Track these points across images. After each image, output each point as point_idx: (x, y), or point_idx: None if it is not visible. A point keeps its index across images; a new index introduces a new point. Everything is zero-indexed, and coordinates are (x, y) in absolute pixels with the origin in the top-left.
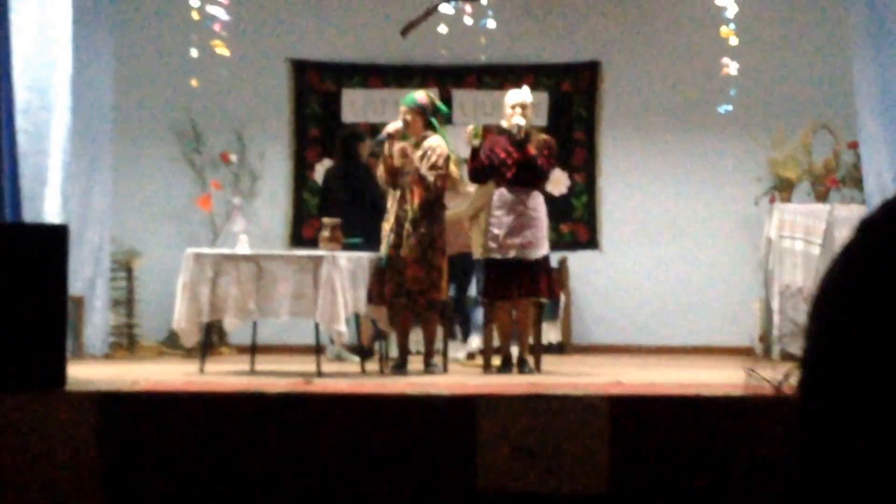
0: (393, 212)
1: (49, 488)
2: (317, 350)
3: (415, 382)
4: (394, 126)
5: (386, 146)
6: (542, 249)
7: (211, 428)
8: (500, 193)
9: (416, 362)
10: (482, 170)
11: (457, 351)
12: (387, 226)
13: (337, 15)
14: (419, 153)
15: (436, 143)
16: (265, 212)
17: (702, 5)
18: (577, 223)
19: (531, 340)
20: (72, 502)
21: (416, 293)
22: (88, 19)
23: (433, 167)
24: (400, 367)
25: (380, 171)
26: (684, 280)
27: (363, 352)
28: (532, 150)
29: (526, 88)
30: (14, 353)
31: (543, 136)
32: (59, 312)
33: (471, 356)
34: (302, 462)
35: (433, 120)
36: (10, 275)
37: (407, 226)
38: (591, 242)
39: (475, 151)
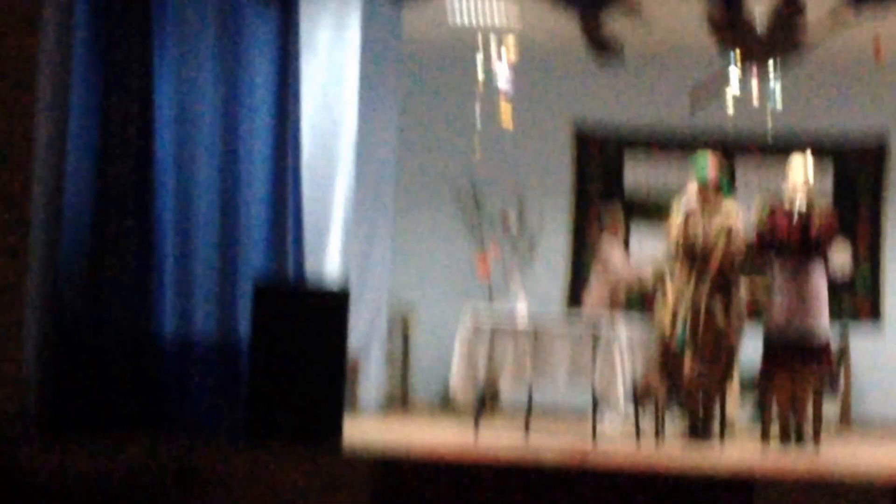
0: (684, 290)
1: None
2: (593, 417)
3: (691, 458)
4: (691, 207)
5: (681, 220)
6: (824, 334)
7: (486, 498)
8: (781, 276)
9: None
10: (766, 249)
11: None
12: (669, 302)
13: (620, 81)
14: (716, 229)
15: (733, 217)
16: (543, 275)
17: None
18: (859, 296)
19: (810, 412)
20: None
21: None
22: (375, 81)
23: (734, 251)
24: (696, 432)
25: (674, 241)
26: None
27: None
28: (813, 231)
29: (809, 161)
30: (294, 409)
31: (825, 212)
32: (339, 373)
33: None
34: None
35: (724, 183)
36: (295, 335)
37: (706, 300)
38: (874, 316)
39: (761, 234)
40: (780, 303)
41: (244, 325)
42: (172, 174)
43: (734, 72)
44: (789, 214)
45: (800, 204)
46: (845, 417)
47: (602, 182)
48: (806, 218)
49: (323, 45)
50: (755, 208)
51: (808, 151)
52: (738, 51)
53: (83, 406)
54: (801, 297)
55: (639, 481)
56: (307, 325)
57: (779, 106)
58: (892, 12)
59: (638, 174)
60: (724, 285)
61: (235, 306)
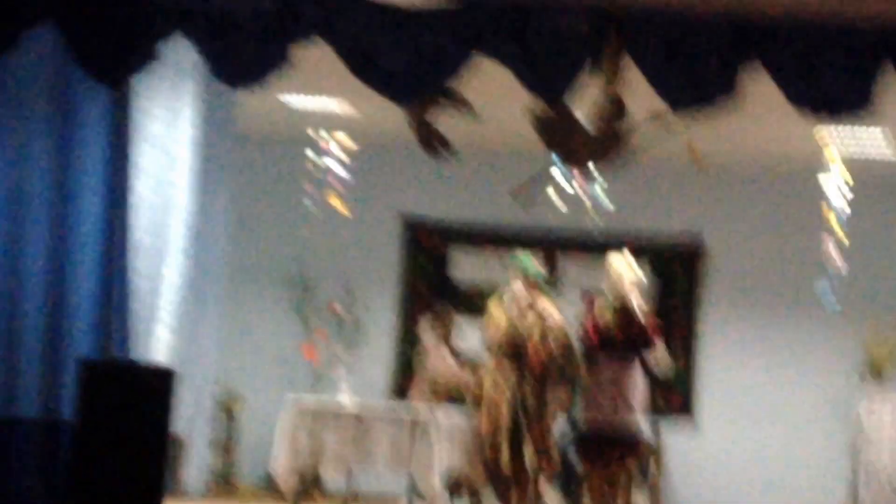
0: (504, 381)
1: None
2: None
3: None
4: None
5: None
6: (638, 427)
7: None
8: (599, 368)
9: None
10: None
11: None
12: (490, 390)
13: (450, 175)
14: (534, 324)
15: (557, 322)
16: (369, 363)
17: (805, 191)
18: (673, 392)
19: None
20: None
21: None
22: (208, 165)
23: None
24: None
25: (492, 335)
26: (777, 458)
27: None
28: (637, 329)
29: (632, 260)
30: (114, 489)
31: (646, 312)
32: (161, 453)
33: None
34: None
35: (543, 286)
36: (117, 411)
37: (528, 396)
38: (687, 415)
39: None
40: (599, 398)
41: (68, 404)
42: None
43: (557, 172)
44: (621, 311)
45: (635, 301)
46: None
47: (429, 274)
48: (629, 316)
49: (156, 129)
50: (593, 305)
51: (626, 250)
52: (561, 151)
53: None
54: (622, 393)
55: None
56: (131, 403)
57: (603, 206)
58: (716, 116)
59: (464, 268)
60: (541, 380)
61: (60, 385)
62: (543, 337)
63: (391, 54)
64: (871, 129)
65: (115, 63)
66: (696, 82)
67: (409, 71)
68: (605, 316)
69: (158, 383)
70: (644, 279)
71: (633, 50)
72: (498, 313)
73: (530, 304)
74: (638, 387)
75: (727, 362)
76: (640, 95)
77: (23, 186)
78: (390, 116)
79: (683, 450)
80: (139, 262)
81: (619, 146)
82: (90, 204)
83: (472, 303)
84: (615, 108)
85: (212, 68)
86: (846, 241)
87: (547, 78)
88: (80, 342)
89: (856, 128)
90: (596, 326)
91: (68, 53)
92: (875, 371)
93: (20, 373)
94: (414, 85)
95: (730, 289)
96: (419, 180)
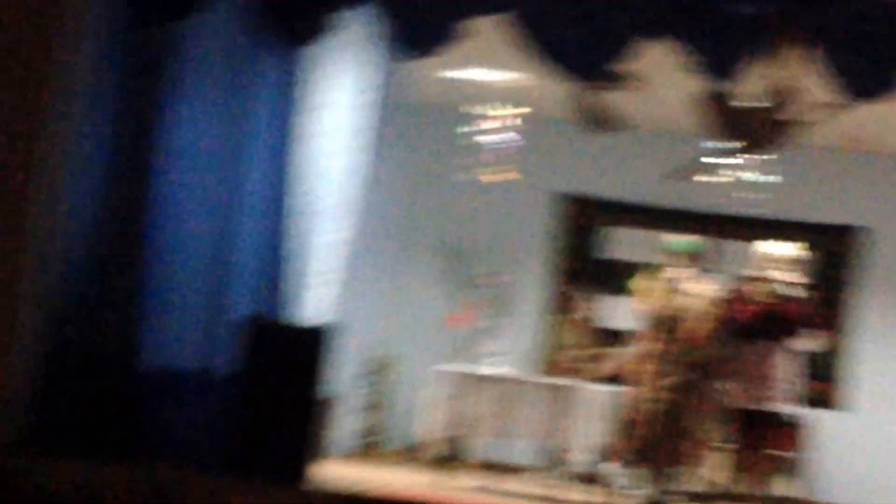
0: (658, 353)
1: None
2: (549, 473)
3: None
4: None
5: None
6: (790, 405)
7: None
8: (749, 350)
9: None
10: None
11: None
12: (648, 367)
13: (608, 154)
14: (691, 303)
15: (711, 303)
16: (519, 336)
17: None
18: (828, 382)
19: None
20: None
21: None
22: (376, 133)
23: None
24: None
25: (646, 311)
26: None
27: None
28: (789, 310)
29: (779, 244)
30: (261, 446)
31: (800, 297)
32: (309, 413)
33: None
34: None
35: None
36: (276, 369)
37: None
38: (841, 401)
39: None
40: (748, 380)
41: (228, 361)
42: (169, 208)
43: (719, 154)
44: (771, 295)
45: (788, 286)
46: (809, 499)
47: (581, 249)
48: (779, 300)
49: (329, 95)
50: (746, 288)
51: (774, 241)
52: (729, 135)
53: (69, 429)
54: (770, 376)
55: None
56: (289, 361)
57: (764, 190)
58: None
59: (618, 246)
60: (699, 363)
61: (222, 342)
62: (699, 318)
63: (565, 30)
64: None
65: (302, 28)
66: (880, 70)
67: (581, 48)
68: (756, 299)
69: (309, 342)
70: (796, 264)
71: (813, 35)
72: (654, 291)
73: (687, 284)
74: (788, 370)
75: (883, 348)
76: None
77: (198, 145)
78: (554, 91)
79: (834, 434)
80: (305, 225)
81: (791, 132)
82: (260, 165)
83: (624, 281)
84: (789, 95)
85: (391, 38)
86: None
87: (721, 61)
88: (244, 300)
89: None
90: (747, 309)
91: (251, 17)
92: None
93: (184, 328)
94: (585, 62)
95: (890, 275)
96: (577, 157)
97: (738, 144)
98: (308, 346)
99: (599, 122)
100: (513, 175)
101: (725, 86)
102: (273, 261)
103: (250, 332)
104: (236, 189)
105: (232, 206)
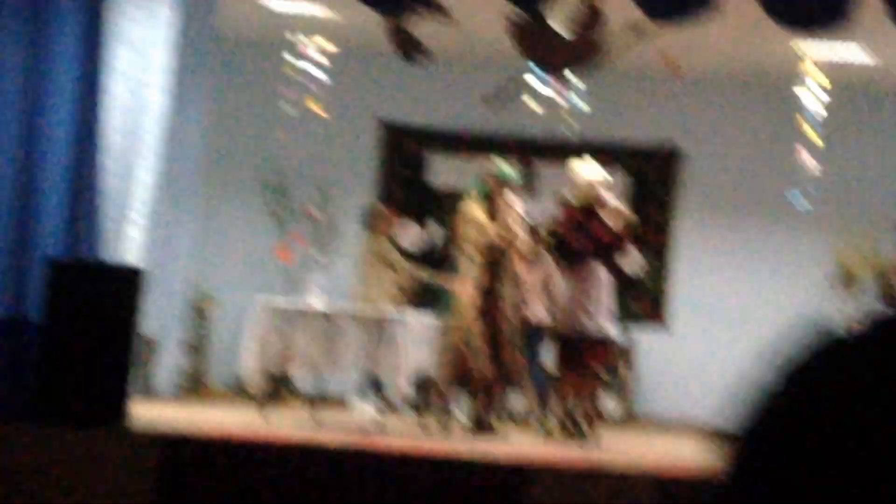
0: (481, 280)
1: None
2: (378, 405)
3: (474, 447)
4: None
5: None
6: (605, 329)
7: (270, 477)
8: (569, 271)
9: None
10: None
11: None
12: (468, 293)
13: (428, 82)
14: (510, 226)
15: (530, 224)
16: (342, 268)
17: (782, 102)
18: (647, 300)
19: (590, 409)
20: None
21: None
22: (186, 68)
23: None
24: (480, 427)
25: (473, 239)
26: (749, 363)
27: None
28: (607, 229)
29: (597, 167)
30: (79, 388)
31: (619, 210)
32: (127, 352)
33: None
34: None
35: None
36: (84, 310)
37: (501, 295)
38: (659, 319)
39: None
40: (568, 301)
41: (36, 304)
42: None
43: (534, 78)
44: (585, 212)
45: (607, 204)
46: (628, 414)
47: (405, 178)
48: (597, 219)
49: (133, 30)
50: (565, 209)
51: (588, 157)
52: (538, 58)
53: None
54: (591, 296)
55: (420, 465)
56: (100, 303)
57: (580, 112)
58: (693, 26)
59: (440, 173)
60: (516, 278)
61: (29, 284)
62: (519, 240)
63: None
64: (848, 42)
65: None
66: None
67: None
68: (576, 221)
69: (128, 283)
70: (611, 181)
71: None
72: (476, 216)
73: (506, 207)
74: (607, 289)
75: (699, 267)
76: (617, 3)
77: None
78: (370, 22)
79: (654, 353)
80: (112, 163)
81: (596, 53)
82: (62, 104)
83: (447, 207)
84: (592, 16)
85: None
86: (820, 146)
87: None
88: (50, 242)
89: (833, 41)
90: (568, 231)
91: None
92: (846, 279)
93: None
94: None
95: (704, 195)
96: (397, 86)
97: (550, 66)
98: (121, 285)
99: (412, 51)
100: (332, 106)
101: (534, 9)
102: (82, 201)
103: (60, 273)
104: (38, 128)
105: (36, 145)
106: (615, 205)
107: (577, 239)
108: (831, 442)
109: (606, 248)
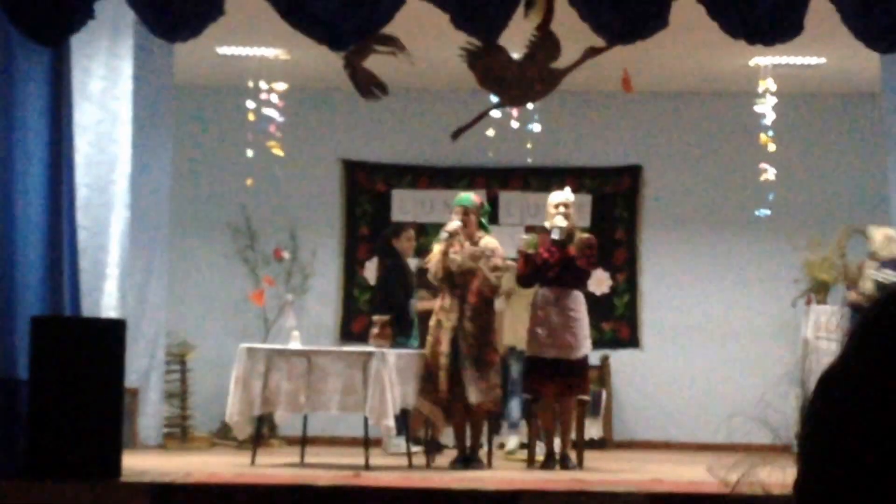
0: (448, 310)
1: None
2: (365, 444)
3: (461, 477)
4: (453, 226)
5: (444, 245)
6: (583, 349)
7: None
8: (543, 293)
9: (449, 455)
10: (531, 275)
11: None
12: (439, 322)
13: (387, 117)
14: (474, 254)
15: (493, 244)
16: (316, 307)
17: (739, 113)
18: (619, 322)
19: (574, 436)
20: None
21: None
22: (148, 119)
23: (496, 269)
24: (463, 462)
25: (434, 269)
26: (722, 379)
27: (430, 444)
28: (573, 250)
29: (567, 189)
30: (71, 444)
31: (585, 236)
32: (116, 404)
33: (510, 452)
34: None
35: (483, 221)
36: (70, 367)
37: (466, 324)
38: (633, 341)
39: (527, 257)
40: (541, 322)
41: (23, 363)
42: None
43: (494, 110)
44: (549, 236)
45: (559, 226)
46: (607, 438)
47: (371, 215)
48: (566, 240)
49: (96, 86)
50: (525, 239)
51: (567, 186)
52: (497, 90)
53: None
54: (562, 316)
55: (411, 498)
56: (83, 357)
57: (540, 140)
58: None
59: (405, 207)
60: (483, 311)
61: (14, 344)
62: (491, 268)
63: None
64: (808, 57)
65: (52, 23)
66: (628, 15)
67: (341, 16)
68: (543, 247)
69: (109, 336)
70: (577, 209)
71: None
72: (439, 248)
73: (471, 238)
74: (579, 313)
75: (668, 285)
76: (573, 31)
77: None
78: (326, 60)
79: (628, 372)
80: (85, 219)
81: (554, 83)
82: (33, 163)
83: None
84: (549, 46)
85: (147, 24)
86: (776, 155)
87: (481, 17)
88: (31, 301)
89: (789, 50)
90: (535, 258)
91: (4, 14)
92: (816, 287)
93: None
94: (346, 30)
95: (668, 213)
96: (357, 124)
97: (509, 96)
98: (103, 339)
99: (369, 87)
100: (294, 147)
101: (490, 41)
102: (59, 257)
103: (43, 330)
104: (11, 188)
105: (10, 206)
106: (576, 231)
107: (550, 265)
108: None
109: (579, 272)
